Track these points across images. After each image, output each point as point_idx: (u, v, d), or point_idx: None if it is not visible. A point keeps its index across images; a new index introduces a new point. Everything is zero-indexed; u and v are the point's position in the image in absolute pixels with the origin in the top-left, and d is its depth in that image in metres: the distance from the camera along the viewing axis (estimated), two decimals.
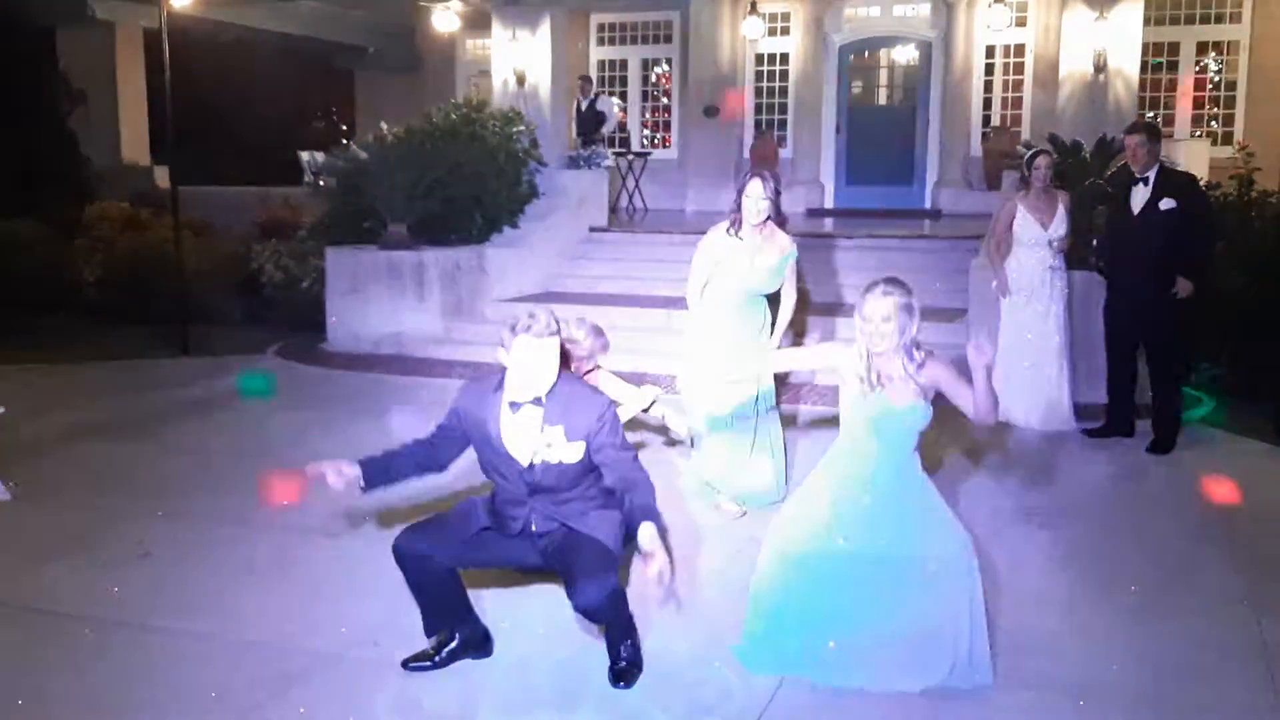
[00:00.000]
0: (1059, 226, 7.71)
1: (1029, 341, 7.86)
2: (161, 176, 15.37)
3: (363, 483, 4.13)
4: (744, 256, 5.87)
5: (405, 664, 4.21)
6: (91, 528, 5.85)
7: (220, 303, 12.66)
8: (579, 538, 4.04)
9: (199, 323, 11.70)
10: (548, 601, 4.76)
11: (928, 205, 15.44)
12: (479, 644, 4.31)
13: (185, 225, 12.45)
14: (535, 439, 3.98)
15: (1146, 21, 12.58)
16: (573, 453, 3.98)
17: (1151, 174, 7.28)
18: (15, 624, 4.69)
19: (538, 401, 3.96)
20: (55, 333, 12.24)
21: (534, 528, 4.09)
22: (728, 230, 5.93)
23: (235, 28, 18.11)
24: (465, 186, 11.20)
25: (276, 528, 5.81)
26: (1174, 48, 15.02)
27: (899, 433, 4.12)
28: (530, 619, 4.64)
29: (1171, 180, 7.34)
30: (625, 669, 4.13)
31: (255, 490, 5.94)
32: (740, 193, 5.89)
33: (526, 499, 4.07)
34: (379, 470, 4.15)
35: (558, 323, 4.00)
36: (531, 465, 4.00)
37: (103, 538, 5.68)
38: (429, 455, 4.21)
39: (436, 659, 4.22)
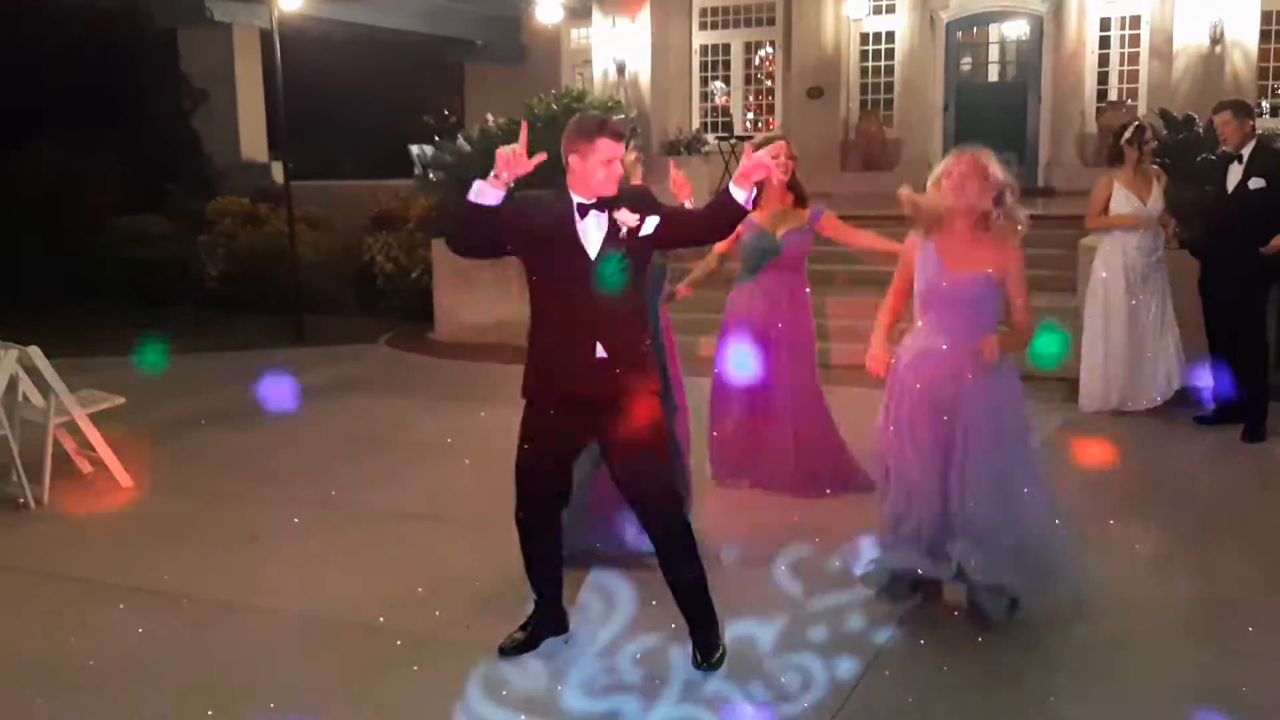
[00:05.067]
0: (1156, 203, 7.49)
1: (1145, 327, 7.63)
2: (278, 172, 15.87)
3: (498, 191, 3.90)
4: None
5: (502, 650, 4.30)
6: (203, 511, 6.13)
7: (334, 293, 13.06)
8: (645, 434, 4.06)
9: (314, 313, 12.10)
10: (633, 587, 4.85)
11: (1040, 184, 15.05)
12: (559, 621, 4.43)
13: (301, 219, 12.87)
14: (609, 225, 4.00)
15: None
16: (650, 224, 4.02)
17: (1247, 151, 7.05)
18: (126, 603, 4.92)
19: (601, 206, 4.01)
20: (179, 323, 12.75)
21: (600, 352, 4.01)
22: None
23: (347, 25, 18.53)
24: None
25: (377, 513, 6.01)
26: None
27: (972, 301, 4.40)
28: (615, 605, 4.72)
29: (1265, 159, 7.07)
30: (709, 652, 4.17)
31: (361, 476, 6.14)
32: None
33: (588, 311, 4.00)
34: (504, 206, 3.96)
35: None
36: (600, 255, 4.00)
37: (213, 521, 5.95)
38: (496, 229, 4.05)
39: (527, 637, 4.35)
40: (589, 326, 4.02)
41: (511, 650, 4.32)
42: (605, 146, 3.97)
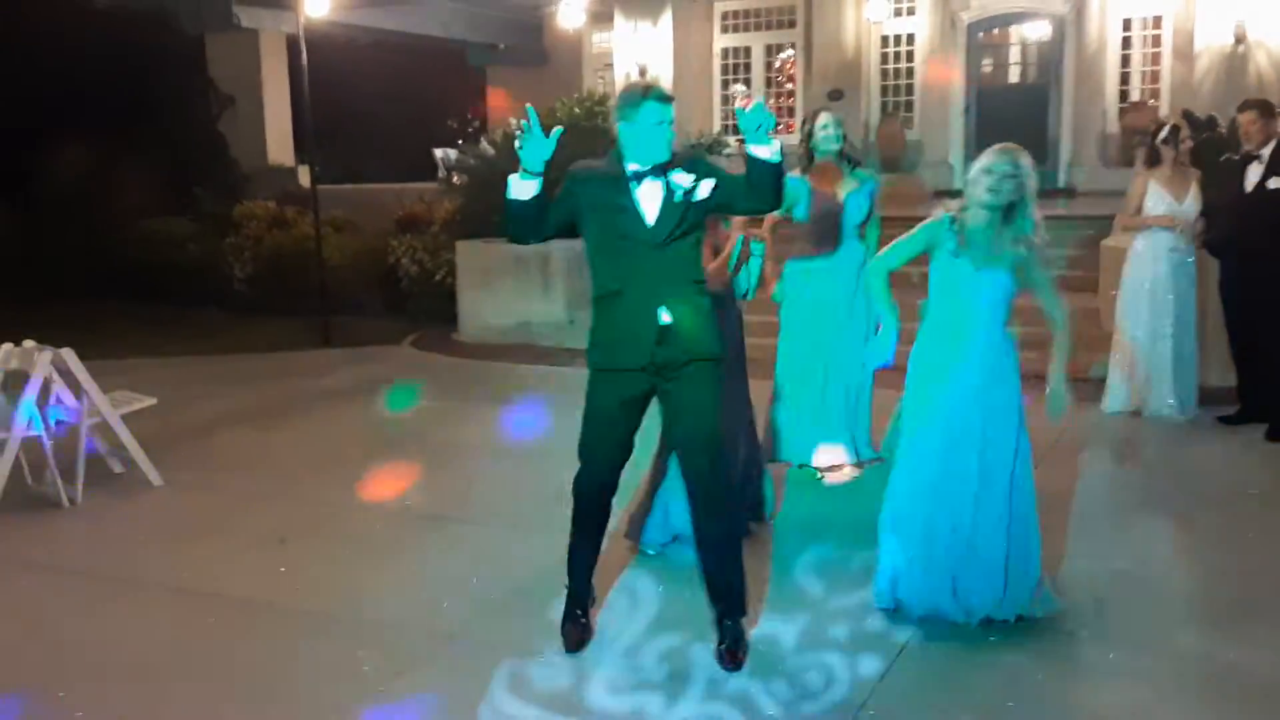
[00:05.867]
0: (1192, 204, 7.46)
1: (1168, 327, 7.62)
2: (304, 176, 16.01)
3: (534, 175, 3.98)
4: None
5: (570, 649, 4.34)
6: (232, 511, 6.21)
7: (360, 296, 13.19)
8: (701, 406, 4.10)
9: (340, 315, 12.21)
10: (657, 585, 4.92)
11: (1061, 184, 15.04)
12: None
13: (326, 222, 13.00)
14: (665, 189, 4.00)
15: None
16: (705, 188, 4.02)
17: (1267, 151, 7.03)
18: (156, 602, 5.01)
19: (655, 171, 4.01)
20: (207, 325, 12.92)
21: (664, 318, 4.02)
22: None
23: (372, 31, 18.68)
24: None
25: (402, 513, 6.09)
26: None
27: (992, 301, 4.37)
28: (640, 604, 4.77)
29: None
30: (733, 650, 4.21)
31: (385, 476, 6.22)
32: None
33: (648, 278, 4.03)
34: (542, 193, 4.04)
35: None
36: (658, 221, 4.02)
37: (243, 521, 6.04)
38: (546, 212, 4.12)
39: (587, 625, 4.43)
40: (650, 293, 4.04)
41: (579, 647, 4.36)
42: (652, 110, 3.97)
